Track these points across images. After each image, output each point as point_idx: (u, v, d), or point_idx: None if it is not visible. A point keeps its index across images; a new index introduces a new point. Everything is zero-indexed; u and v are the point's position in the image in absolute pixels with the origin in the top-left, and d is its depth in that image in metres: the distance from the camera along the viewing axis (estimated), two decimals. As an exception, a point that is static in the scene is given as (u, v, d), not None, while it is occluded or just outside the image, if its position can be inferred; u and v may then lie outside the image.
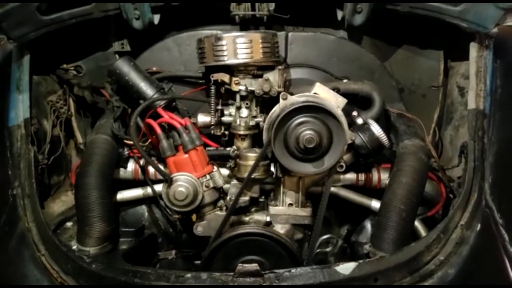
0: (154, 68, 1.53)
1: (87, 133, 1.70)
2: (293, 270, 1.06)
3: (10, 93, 1.37)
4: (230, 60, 1.30)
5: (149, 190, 1.44)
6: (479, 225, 1.17)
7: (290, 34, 1.51)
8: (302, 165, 1.22)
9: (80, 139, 1.68)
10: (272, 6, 1.47)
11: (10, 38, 1.33)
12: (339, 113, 1.22)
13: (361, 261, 1.10)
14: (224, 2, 1.48)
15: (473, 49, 1.39)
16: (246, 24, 1.56)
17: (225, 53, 1.29)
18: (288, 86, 1.46)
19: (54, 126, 1.57)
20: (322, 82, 1.36)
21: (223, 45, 1.29)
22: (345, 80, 1.47)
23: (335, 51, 1.52)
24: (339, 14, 1.47)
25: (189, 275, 1.05)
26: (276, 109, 1.26)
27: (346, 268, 1.06)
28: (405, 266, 1.10)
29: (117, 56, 1.66)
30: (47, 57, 1.53)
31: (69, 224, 1.41)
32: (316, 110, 1.19)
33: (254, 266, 1.03)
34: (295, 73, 1.51)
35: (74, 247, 1.23)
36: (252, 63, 1.32)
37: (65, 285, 1.12)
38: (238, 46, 1.28)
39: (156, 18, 1.48)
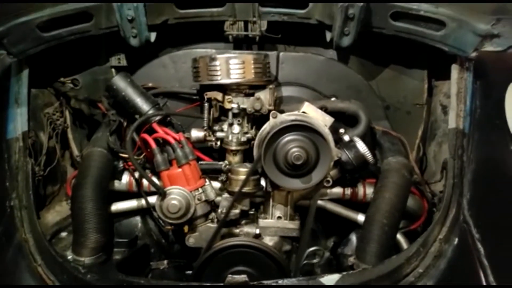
0: (150, 84, 1.57)
1: (83, 144, 1.72)
2: (280, 281, 1.10)
3: (9, 106, 1.40)
4: (223, 80, 1.36)
5: (142, 201, 1.47)
6: (456, 239, 1.22)
7: (281, 54, 1.57)
8: (291, 180, 1.27)
9: (75, 150, 1.70)
10: (264, 26, 1.53)
11: (10, 54, 1.36)
12: (326, 131, 1.28)
13: (344, 273, 1.14)
14: (219, 22, 1.53)
15: (454, 71, 1.46)
16: (239, 43, 1.62)
17: (218, 73, 1.35)
18: (279, 103, 1.52)
19: (50, 138, 1.59)
20: (312, 100, 1.43)
21: (216, 65, 1.34)
22: (333, 99, 1.52)
23: (324, 71, 1.58)
24: (328, 36, 1.53)
25: (180, 284, 1.10)
26: (266, 127, 1.31)
27: (330, 280, 1.10)
28: (387, 278, 1.15)
29: (113, 70, 1.70)
30: (44, 70, 1.55)
31: (63, 234, 1.43)
32: (304, 128, 1.24)
33: (243, 277, 1.09)
34: (286, 91, 1.57)
35: (70, 257, 1.25)
36: (244, 83, 1.38)
37: (61, 285, 1.14)
38: (231, 67, 1.34)
39: (153, 36, 1.53)
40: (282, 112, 1.34)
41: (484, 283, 1.11)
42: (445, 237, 1.23)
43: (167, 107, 1.54)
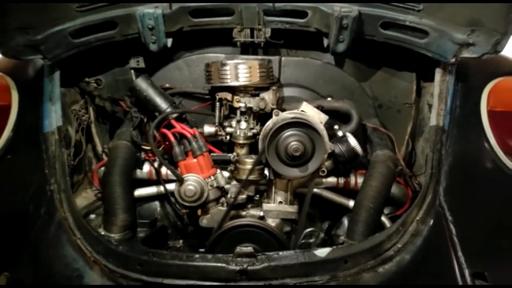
0: (167, 85, 1.72)
1: (105, 138, 1.88)
2: (280, 253, 1.27)
3: (44, 104, 1.55)
4: (232, 82, 1.51)
5: (161, 188, 1.62)
6: (432, 221, 1.37)
7: (283, 58, 1.71)
8: (290, 169, 1.42)
9: (98, 143, 1.86)
10: (268, 33, 1.68)
11: (45, 58, 1.51)
12: (321, 127, 1.44)
13: (334, 246, 1.31)
14: (228, 29, 1.69)
15: (438, 74, 1.58)
16: (246, 48, 1.77)
17: (228, 76, 1.50)
18: (281, 103, 1.66)
19: (76, 132, 1.74)
20: (310, 100, 1.57)
21: (227, 70, 1.50)
22: (329, 99, 1.66)
23: (321, 74, 1.72)
24: (325, 42, 1.66)
25: (197, 255, 1.26)
26: (269, 123, 1.46)
27: (322, 252, 1.27)
28: (370, 252, 1.30)
29: (132, 71, 1.84)
30: (71, 71, 1.70)
31: (92, 216, 1.59)
32: (302, 125, 1.40)
33: (249, 249, 1.25)
34: (287, 92, 1.72)
35: (102, 234, 1.42)
36: (250, 85, 1.53)
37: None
38: (239, 71, 1.49)
39: (169, 42, 1.67)
40: (283, 110, 1.49)
41: (454, 258, 1.30)
42: (421, 219, 1.38)
43: (182, 105, 1.69)
